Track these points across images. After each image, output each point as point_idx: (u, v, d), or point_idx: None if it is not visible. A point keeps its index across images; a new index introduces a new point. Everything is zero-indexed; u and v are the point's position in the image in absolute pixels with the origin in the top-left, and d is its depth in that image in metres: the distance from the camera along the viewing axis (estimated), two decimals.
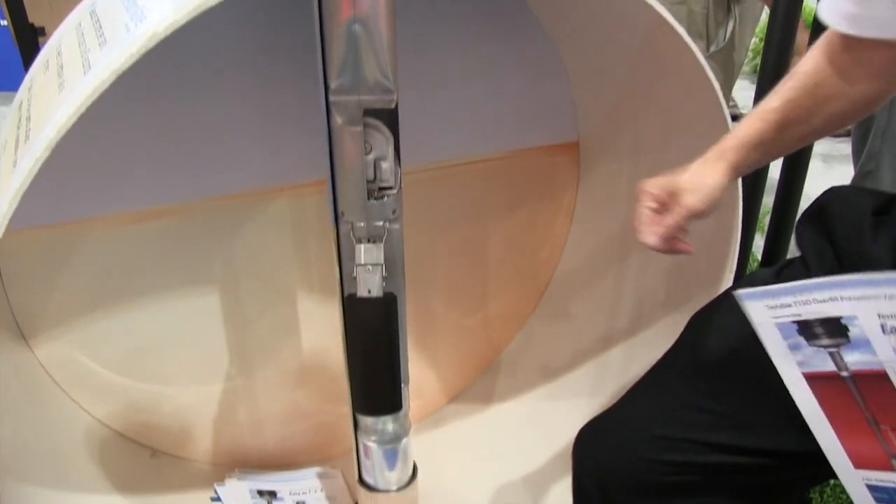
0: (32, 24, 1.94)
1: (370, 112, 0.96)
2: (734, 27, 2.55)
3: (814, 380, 0.66)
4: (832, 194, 0.88)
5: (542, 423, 1.49)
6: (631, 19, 1.16)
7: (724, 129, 1.09)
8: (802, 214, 0.90)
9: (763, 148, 0.87)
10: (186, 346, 1.29)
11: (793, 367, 0.67)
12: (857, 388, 0.64)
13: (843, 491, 1.59)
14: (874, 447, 0.66)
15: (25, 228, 1.11)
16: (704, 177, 0.89)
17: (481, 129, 1.38)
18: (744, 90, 3.78)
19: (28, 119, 0.85)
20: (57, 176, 1.09)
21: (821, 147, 3.52)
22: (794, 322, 0.64)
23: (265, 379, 1.38)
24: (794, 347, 0.66)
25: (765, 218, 1.97)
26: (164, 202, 1.18)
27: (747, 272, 1.87)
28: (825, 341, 0.63)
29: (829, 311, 0.61)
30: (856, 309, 0.59)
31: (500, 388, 1.59)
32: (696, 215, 0.89)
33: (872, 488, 0.68)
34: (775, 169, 1.81)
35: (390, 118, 0.99)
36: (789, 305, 0.63)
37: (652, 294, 1.36)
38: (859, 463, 0.68)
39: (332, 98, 0.96)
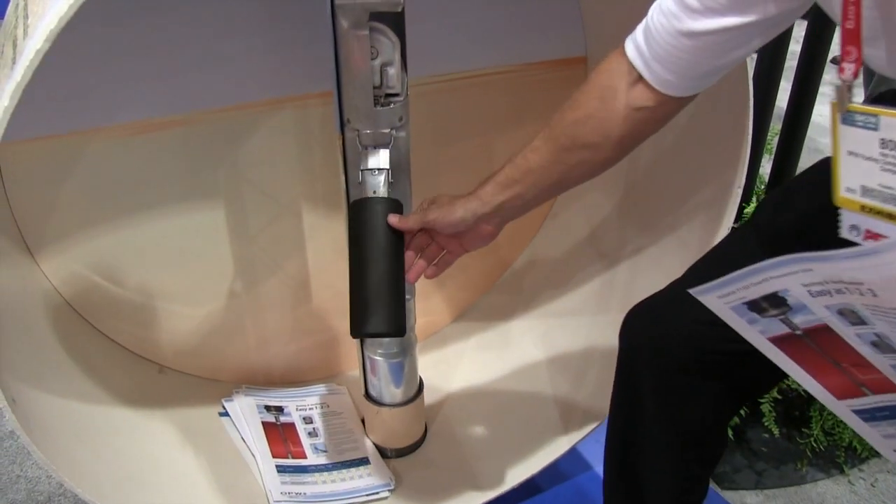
0: None
1: (376, 16, 0.94)
2: None
3: (777, 341, 0.77)
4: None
5: (548, 341, 1.50)
6: None
7: None
8: None
9: (513, 190, 0.91)
10: (192, 261, 1.29)
11: (757, 335, 0.77)
12: (812, 340, 0.74)
13: None
14: (844, 381, 0.76)
15: (28, 140, 1.10)
16: (457, 203, 0.94)
17: (487, 41, 1.35)
18: None
19: (25, 17, 0.83)
20: (59, 86, 1.08)
21: (831, 75, 3.43)
22: (743, 303, 0.74)
23: (271, 294, 1.38)
24: (751, 321, 0.76)
25: (773, 140, 1.96)
26: (168, 113, 1.16)
27: (754, 193, 1.87)
28: (773, 312, 0.73)
29: (766, 289, 0.70)
30: (784, 284, 0.69)
31: (505, 305, 1.59)
32: (433, 228, 0.96)
33: (856, 412, 0.79)
34: (784, 96, 1.79)
35: (397, 22, 0.97)
36: (734, 292, 0.73)
37: (658, 212, 1.35)
38: (839, 395, 0.78)
39: (337, 2, 0.94)
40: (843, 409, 0.80)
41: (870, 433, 0.81)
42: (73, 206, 1.18)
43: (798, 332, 0.74)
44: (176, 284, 1.30)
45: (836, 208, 0.82)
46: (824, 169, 0.93)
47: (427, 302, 1.53)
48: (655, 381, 0.98)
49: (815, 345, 0.75)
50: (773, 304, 0.72)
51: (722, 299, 0.75)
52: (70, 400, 1.17)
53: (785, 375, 0.83)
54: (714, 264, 0.99)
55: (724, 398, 0.98)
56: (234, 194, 1.26)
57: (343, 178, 1.05)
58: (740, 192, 1.20)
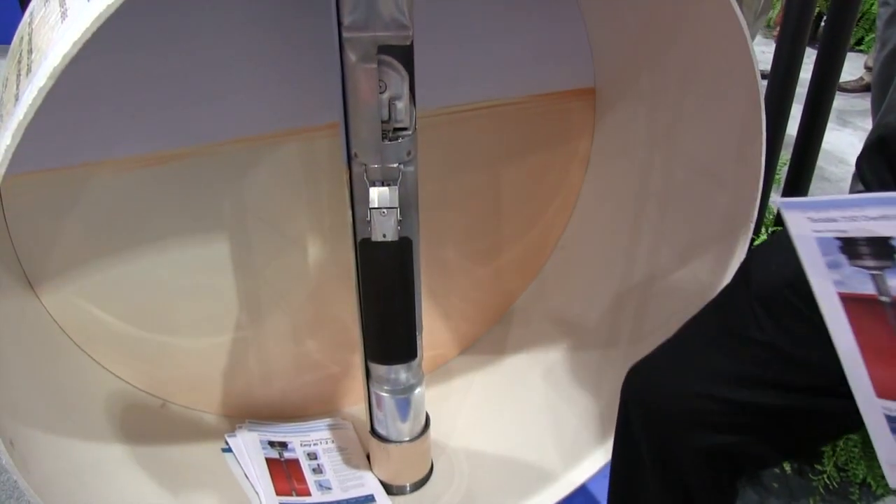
0: None
1: (385, 49, 0.93)
2: None
3: (849, 301, 0.62)
4: (889, 128, 0.84)
5: (555, 375, 1.48)
6: None
7: (751, 76, 1.05)
8: (862, 150, 0.88)
9: None
10: (195, 295, 1.27)
11: (828, 285, 0.62)
12: None
13: (855, 445, 1.58)
14: None
15: (30, 172, 1.08)
16: None
17: (494, 72, 1.34)
18: (757, 44, 3.71)
19: (30, 52, 0.82)
20: (62, 118, 1.06)
21: (836, 103, 3.45)
22: (837, 238, 0.59)
23: (275, 329, 1.36)
24: (832, 266, 0.61)
25: (782, 169, 1.95)
26: (173, 146, 1.15)
27: (763, 226, 1.85)
28: (869, 262, 0.59)
29: (879, 229, 0.56)
30: None
31: (512, 338, 1.57)
32: None
33: (890, 418, 0.66)
34: (793, 125, 1.78)
35: (405, 56, 0.96)
36: (835, 220, 0.58)
37: (668, 244, 1.34)
38: (882, 392, 0.65)
39: (345, 35, 0.93)
40: (873, 407, 0.66)
41: (886, 443, 0.68)
42: (75, 239, 1.16)
43: (883, 299, 0.59)
44: (179, 318, 1.28)
45: None
46: None
47: (434, 335, 1.51)
48: (651, 439, 0.98)
49: None
50: (875, 252, 0.57)
51: (813, 223, 0.59)
52: (70, 436, 1.15)
53: (790, 455, 0.77)
54: (708, 318, 0.98)
55: (718, 463, 0.96)
56: (239, 227, 1.25)
57: (350, 213, 1.03)
58: (752, 225, 1.18)
